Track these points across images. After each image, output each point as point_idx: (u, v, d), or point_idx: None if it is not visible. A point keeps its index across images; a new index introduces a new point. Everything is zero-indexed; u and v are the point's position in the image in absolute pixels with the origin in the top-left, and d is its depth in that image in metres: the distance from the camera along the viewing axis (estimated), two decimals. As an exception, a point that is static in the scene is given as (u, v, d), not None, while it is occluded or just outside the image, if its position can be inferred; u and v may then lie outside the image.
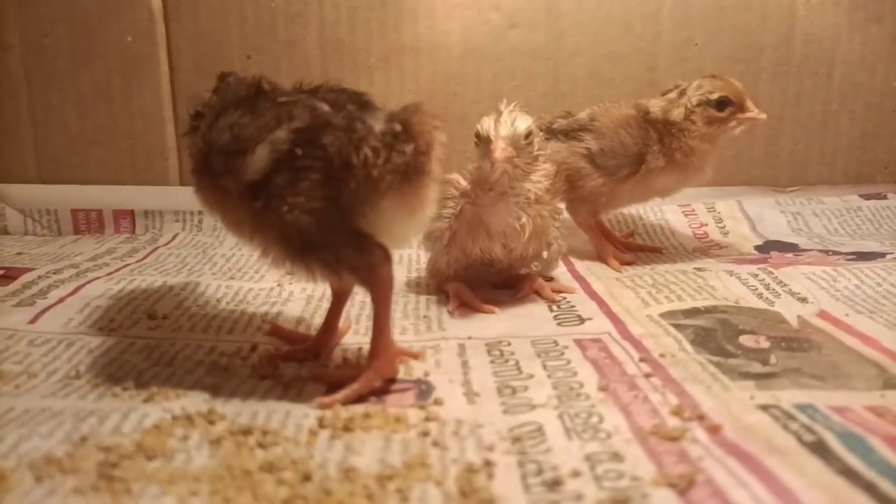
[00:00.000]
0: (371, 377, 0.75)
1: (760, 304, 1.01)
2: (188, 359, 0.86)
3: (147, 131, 1.48)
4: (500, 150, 0.93)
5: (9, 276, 1.15)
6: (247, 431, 0.66)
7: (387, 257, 0.75)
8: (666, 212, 1.52)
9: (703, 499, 0.54)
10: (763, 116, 1.20)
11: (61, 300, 1.05)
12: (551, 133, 1.30)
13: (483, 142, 0.96)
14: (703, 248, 1.37)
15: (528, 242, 1.02)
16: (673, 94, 1.22)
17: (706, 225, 1.48)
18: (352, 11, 1.47)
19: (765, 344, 0.87)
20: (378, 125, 0.72)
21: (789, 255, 1.29)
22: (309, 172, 0.69)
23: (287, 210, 0.69)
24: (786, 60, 1.52)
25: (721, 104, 1.19)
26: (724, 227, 1.47)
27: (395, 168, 0.71)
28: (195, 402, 0.73)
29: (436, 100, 1.51)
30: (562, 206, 1.14)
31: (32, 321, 0.97)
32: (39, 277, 1.14)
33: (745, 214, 1.49)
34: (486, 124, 0.96)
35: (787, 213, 1.50)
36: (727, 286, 1.09)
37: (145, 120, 1.47)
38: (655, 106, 1.23)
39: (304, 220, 0.70)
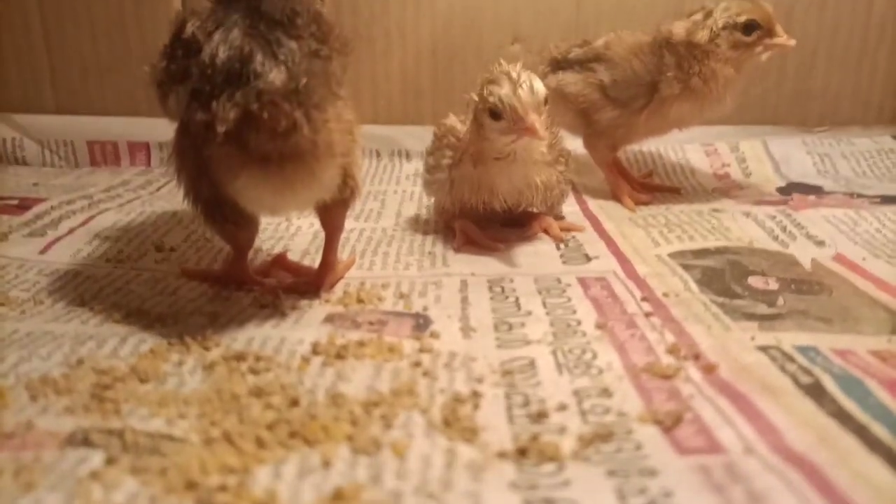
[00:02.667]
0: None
1: (774, 247, 0.98)
2: (192, 289, 0.87)
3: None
4: (539, 124, 0.86)
5: (23, 206, 1.16)
6: (240, 357, 0.66)
7: (244, 225, 0.80)
8: (688, 151, 1.48)
9: (687, 436, 0.54)
10: (792, 42, 1.14)
11: (71, 231, 1.06)
12: (567, 63, 1.25)
13: (507, 114, 0.87)
14: (723, 189, 1.33)
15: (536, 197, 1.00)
16: (698, 16, 1.16)
17: (728, 165, 1.43)
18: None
19: (773, 286, 0.85)
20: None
21: (811, 197, 1.24)
22: (186, 130, 0.71)
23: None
24: (822, -9, 1.44)
25: (748, 28, 1.12)
26: (747, 167, 1.42)
27: (248, 150, 0.68)
28: (193, 328, 0.74)
29: (452, 29, 1.47)
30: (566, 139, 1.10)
31: (43, 251, 0.99)
32: (52, 208, 1.16)
33: (769, 155, 1.44)
34: (504, 94, 0.87)
35: (814, 154, 1.45)
36: (742, 227, 1.06)
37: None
38: (679, 27, 1.16)
39: (184, 170, 0.77)
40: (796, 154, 1.44)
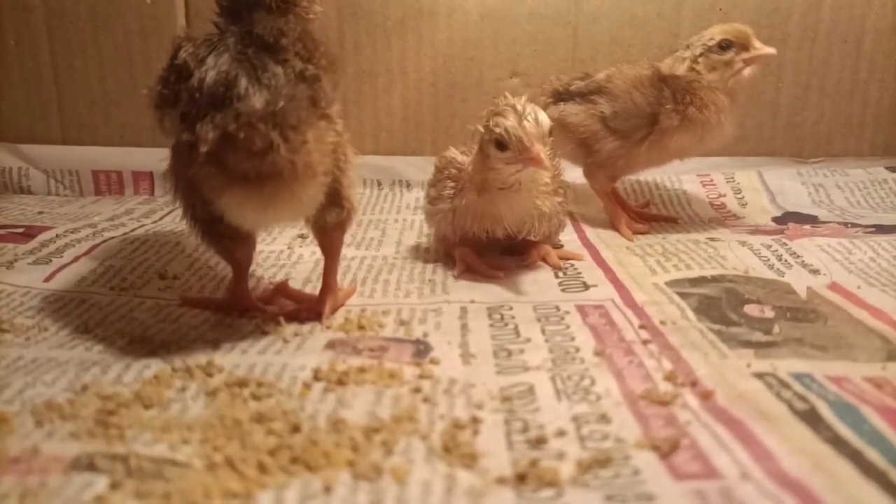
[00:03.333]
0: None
1: (770, 275, 1.00)
2: (195, 316, 0.88)
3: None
4: (544, 154, 0.88)
5: (28, 234, 1.18)
6: (242, 383, 0.67)
7: (239, 241, 0.83)
8: (684, 182, 1.50)
9: (684, 462, 0.54)
10: (770, 51, 1.15)
11: (76, 259, 1.07)
12: (569, 95, 1.28)
13: (513, 145, 0.90)
14: (719, 219, 1.34)
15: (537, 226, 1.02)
16: (681, 51, 1.20)
17: (724, 196, 1.45)
18: (369, -27, 1.46)
19: (769, 314, 0.86)
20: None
21: (807, 226, 1.26)
22: (178, 151, 0.76)
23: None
24: (814, 26, 1.47)
25: (722, 47, 1.15)
26: (743, 198, 1.44)
27: (229, 169, 0.71)
28: (196, 355, 0.75)
29: (453, 64, 1.50)
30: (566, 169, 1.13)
31: (47, 279, 1.00)
32: (57, 236, 1.17)
33: (764, 186, 1.46)
34: (510, 125, 0.89)
35: (809, 184, 1.47)
36: (738, 256, 1.08)
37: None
38: (665, 65, 1.21)
39: (179, 190, 0.80)
40: (791, 184, 1.47)
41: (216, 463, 0.54)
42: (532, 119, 0.90)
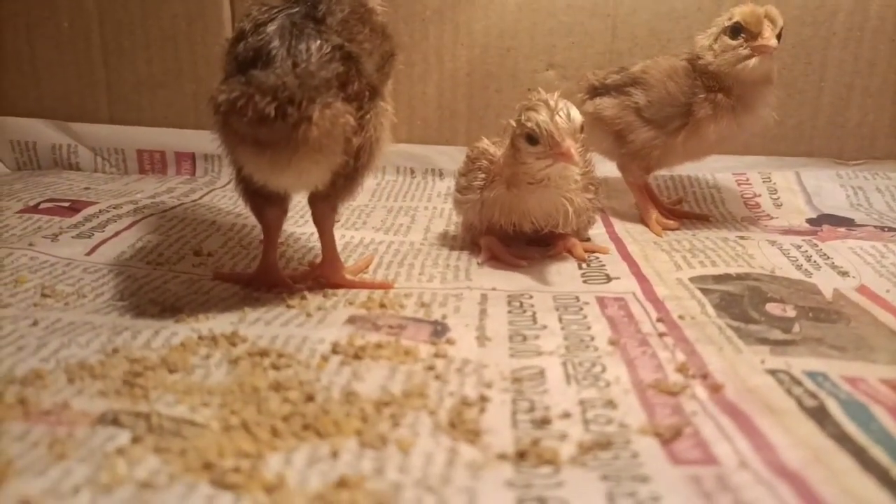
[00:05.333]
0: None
1: (797, 275, 0.99)
2: (225, 289, 0.91)
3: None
4: (574, 150, 0.89)
5: (74, 208, 1.23)
6: (264, 353, 0.70)
7: (270, 200, 0.87)
8: (719, 180, 1.49)
9: (684, 449, 0.55)
10: (772, 44, 1.11)
11: (117, 234, 1.12)
12: (605, 89, 1.28)
13: (544, 139, 0.91)
14: (752, 219, 1.33)
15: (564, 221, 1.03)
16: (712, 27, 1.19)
17: (759, 195, 1.43)
18: (409, -37, 1.47)
19: (791, 313, 0.85)
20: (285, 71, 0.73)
21: (842, 229, 1.24)
22: None
23: None
24: (860, 25, 1.44)
25: (734, 31, 1.13)
26: (778, 198, 1.42)
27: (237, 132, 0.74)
28: (222, 324, 0.78)
29: (488, 55, 1.51)
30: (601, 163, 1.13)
31: (89, 253, 1.04)
32: (100, 211, 1.22)
33: (801, 187, 1.44)
34: (542, 120, 0.90)
35: (848, 186, 1.44)
36: (766, 255, 1.07)
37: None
38: (696, 41, 1.20)
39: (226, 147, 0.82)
40: (829, 186, 1.44)
41: (232, 425, 0.56)
42: (564, 115, 0.91)
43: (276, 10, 0.80)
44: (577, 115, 0.92)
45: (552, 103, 0.92)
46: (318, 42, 0.76)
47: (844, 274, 0.99)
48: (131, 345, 0.72)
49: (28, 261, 0.97)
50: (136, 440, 0.54)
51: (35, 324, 0.76)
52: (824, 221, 1.30)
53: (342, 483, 0.49)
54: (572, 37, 1.49)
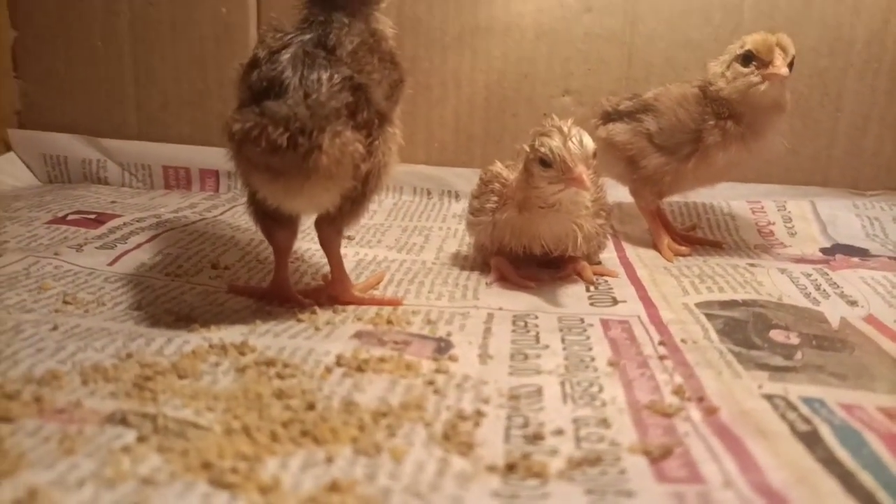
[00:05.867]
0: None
1: (804, 303, 0.99)
2: (239, 302, 0.94)
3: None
4: (586, 175, 0.91)
5: (99, 220, 1.28)
6: (270, 363, 0.72)
7: (281, 223, 0.90)
8: (734, 207, 1.49)
9: (672, 468, 0.56)
10: (782, 72, 1.11)
11: (138, 246, 1.16)
12: (618, 115, 1.30)
13: (556, 164, 0.93)
14: (765, 246, 1.33)
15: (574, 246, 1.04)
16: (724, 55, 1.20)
17: (773, 223, 1.43)
18: (430, -10, 1.51)
19: (794, 340, 0.86)
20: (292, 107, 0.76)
21: (855, 259, 1.23)
22: None
23: None
24: (878, 57, 1.44)
25: (746, 58, 1.14)
26: (793, 226, 1.42)
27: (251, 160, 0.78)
28: (233, 334, 0.80)
29: (506, 80, 1.54)
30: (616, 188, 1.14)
31: (111, 263, 1.08)
32: (124, 224, 1.26)
33: (816, 216, 1.44)
34: (555, 145, 0.92)
35: (864, 217, 1.43)
36: (775, 282, 1.07)
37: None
38: (709, 68, 1.21)
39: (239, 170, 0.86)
40: (845, 216, 1.43)
41: (233, 429, 0.58)
42: (577, 141, 0.93)
43: (289, 37, 0.83)
44: (589, 142, 0.94)
45: (565, 130, 0.94)
46: (329, 73, 0.79)
47: (853, 303, 0.99)
48: (144, 351, 0.75)
49: (53, 269, 1.01)
50: (141, 439, 0.56)
51: (55, 328, 0.80)
52: (838, 251, 1.30)
53: (334, 487, 0.51)
54: (589, 64, 1.52)
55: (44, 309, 0.87)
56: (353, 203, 0.89)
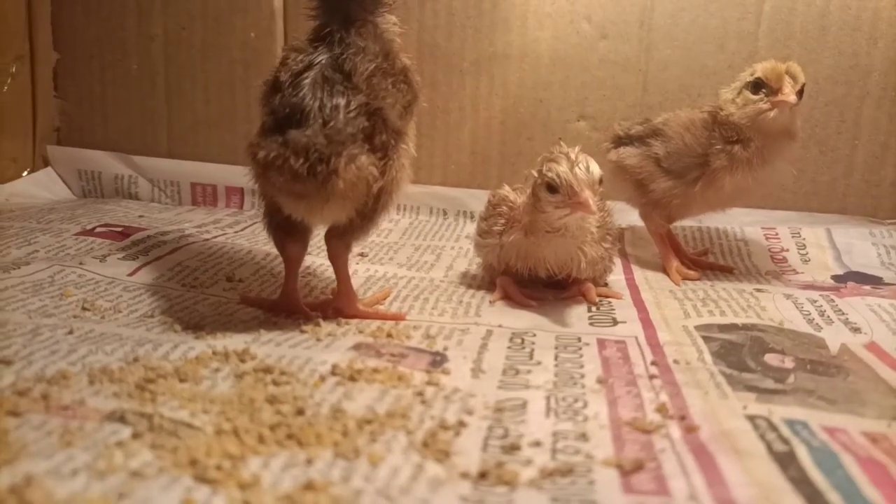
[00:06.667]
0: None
1: (806, 329, 0.99)
2: (248, 313, 0.98)
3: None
4: (592, 201, 0.93)
5: (125, 233, 1.34)
6: (268, 370, 0.76)
7: (292, 235, 0.94)
8: (747, 233, 1.49)
9: (641, 481, 0.57)
10: (790, 99, 1.12)
11: (159, 258, 1.21)
12: (629, 139, 1.32)
13: (563, 189, 0.95)
14: (777, 273, 1.32)
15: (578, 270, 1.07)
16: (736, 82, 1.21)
17: (787, 250, 1.42)
18: (449, 17, 1.56)
19: (789, 364, 0.86)
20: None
21: (867, 286, 1.22)
22: None
23: None
24: (895, 84, 1.44)
25: (756, 86, 1.15)
26: (807, 253, 1.41)
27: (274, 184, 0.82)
28: (236, 342, 0.84)
29: (522, 105, 1.57)
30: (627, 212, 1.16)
31: (131, 273, 1.13)
32: (148, 237, 1.32)
33: (831, 243, 1.43)
34: (562, 171, 0.95)
35: (881, 245, 1.42)
36: (778, 308, 1.07)
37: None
38: (721, 94, 1.23)
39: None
40: (861, 244, 1.42)
41: (224, 430, 0.62)
42: (583, 167, 0.95)
43: (308, 56, 0.87)
44: (595, 169, 0.97)
45: (573, 156, 0.97)
46: (346, 99, 0.84)
47: (856, 330, 0.99)
48: (151, 355, 0.79)
49: (76, 277, 1.07)
50: (135, 436, 0.60)
51: (70, 332, 0.84)
52: (851, 279, 1.29)
53: (309, 486, 0.54)
54: (604, 90, 1.54)
55: (63, 314, 0.91)
56: (364, 218, 0.92)
